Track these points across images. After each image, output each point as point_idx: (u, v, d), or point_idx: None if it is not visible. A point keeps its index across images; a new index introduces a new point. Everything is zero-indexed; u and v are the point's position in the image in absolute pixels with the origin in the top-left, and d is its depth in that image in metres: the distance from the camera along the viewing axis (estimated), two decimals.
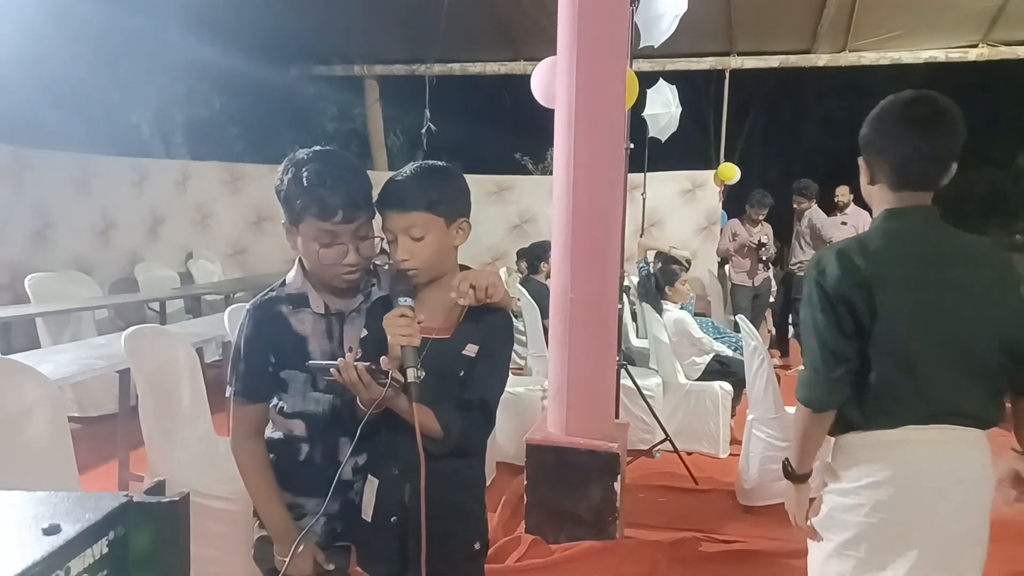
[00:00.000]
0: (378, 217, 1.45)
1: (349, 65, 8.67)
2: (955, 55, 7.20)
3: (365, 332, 1.50)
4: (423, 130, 7.85)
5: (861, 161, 1.56)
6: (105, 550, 0.46)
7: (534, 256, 5.43)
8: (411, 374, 1.29)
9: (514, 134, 10.90)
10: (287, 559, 1.45)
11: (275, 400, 1.55)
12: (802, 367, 1.54)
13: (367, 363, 1.28)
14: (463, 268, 1.51)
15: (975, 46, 7.10)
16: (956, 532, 1.46)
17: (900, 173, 1.48)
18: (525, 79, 8.80)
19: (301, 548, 1.46)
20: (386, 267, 1.60)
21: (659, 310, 4.54)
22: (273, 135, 10.86)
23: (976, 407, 1.45)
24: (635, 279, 5.27)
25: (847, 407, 1.49)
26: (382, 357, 1.30)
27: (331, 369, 1.29)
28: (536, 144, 10.37)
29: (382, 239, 1.46)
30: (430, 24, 7.21)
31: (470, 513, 1.49)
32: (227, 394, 1.53)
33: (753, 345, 3.48)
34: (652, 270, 4.92)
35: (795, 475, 1.62)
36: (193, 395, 2.81)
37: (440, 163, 1.46)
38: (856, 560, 1.50)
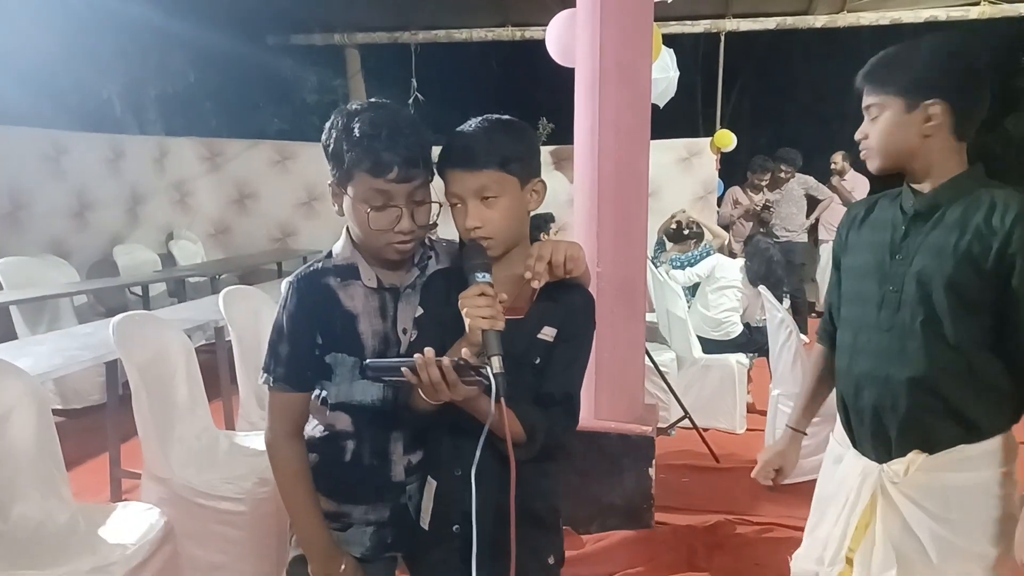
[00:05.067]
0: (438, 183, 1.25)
1: (329, 34, 8.28)
2: (956, 14, 7.01)
3: (420, 311, 1.29)
4: (410, 100, 7.54)
5: None
6: None
7: (534, 227, 5.21)
8: (496, 363, 1.08)
9: (503, 103, 10.54)
10: None
11: (316, 389, 1.34)
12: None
13: (456, 359, 1.06)
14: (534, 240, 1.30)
15: (976, 3, 6.92)
16: None
17: None
18: (514, 45, 8.48)
19: (343, 568, 1.27)
20: (445, 243, 1.39)
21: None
22: (250, 109, 10.44)
23: None
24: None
25: None
26: (463, 349, 1.09)
27: (403, 369, 1.07)
28: (527, 114, 10.06)
29: (440, 205, 1.25)
30: None
31: (546, 524, 1.29)
32: (261, 381, 1.31)
33: (780, 318, 3.32)
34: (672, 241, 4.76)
35: None
36: (190, 387, 2.59)
37: (508, 116, 1.25)
38: None
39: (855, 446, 1.55)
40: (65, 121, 6.47)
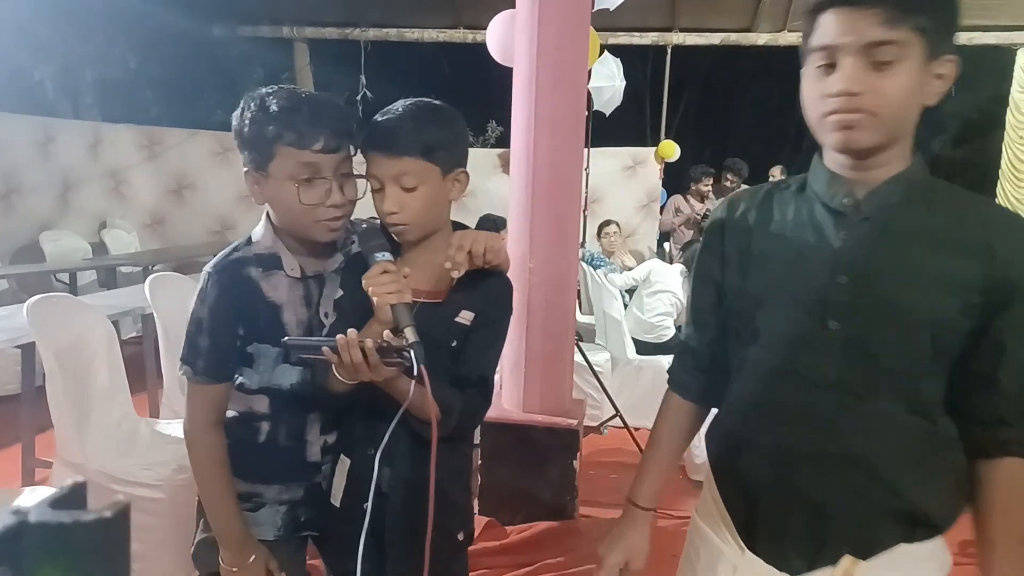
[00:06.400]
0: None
1: (277, 26, 8.18)
2: None
3: (340, 292, 1.29)
4: (358, 97, 7.49)
5: None
6: None
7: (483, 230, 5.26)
8: (411, 334, 1.09)
9: (452, 104, 10.50)
10: (234, 568, 1.26)
11: (236, 376, 1.33)
12: None
13: (379, 341, 1.07)
14: (457, 226, 1.31)
15: None
16: None
17: None
18: (465, 48, 8.47)
19: (253, 559, 1.27)
20: (364, 225, 1.39)
21: None
22: (193, 98, 10.16)
23: None
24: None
25: None
26: (385, 332, 1.09)
27: (324, 349, 1.07)
28: (477, 116, 10.08)
29: (366, 180, 1.25)
30: None
31: (455, 502, 1.31)
32: (180, 373, 1.29)
33: None
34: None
35: None
36: (111, 374, 2.53)
37: (438, 102, 1.26)
38: None
39: (750, 548, 1.07)
40: None
